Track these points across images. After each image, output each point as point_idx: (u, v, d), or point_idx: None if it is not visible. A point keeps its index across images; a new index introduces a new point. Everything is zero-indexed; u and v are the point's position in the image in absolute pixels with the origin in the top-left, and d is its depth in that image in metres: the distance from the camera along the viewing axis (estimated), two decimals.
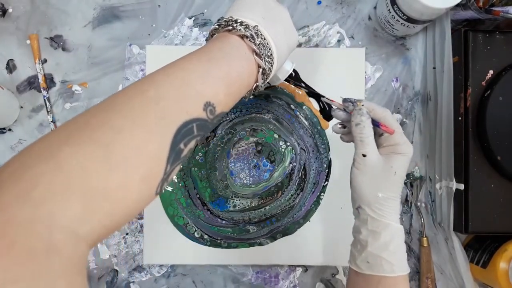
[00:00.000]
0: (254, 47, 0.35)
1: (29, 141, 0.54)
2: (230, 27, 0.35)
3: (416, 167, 0.55)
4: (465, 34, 0.50)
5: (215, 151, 0.54)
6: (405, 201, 0.55)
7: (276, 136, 0.54)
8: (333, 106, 0.43)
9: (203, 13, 0.55)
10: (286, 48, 0.39)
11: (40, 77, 0.54)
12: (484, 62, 0.50)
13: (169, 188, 0.54)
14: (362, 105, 0.40)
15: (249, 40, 0.35)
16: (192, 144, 0.29)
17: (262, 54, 0.36)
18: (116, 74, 0.55)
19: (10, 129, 0.55)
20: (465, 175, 0.50)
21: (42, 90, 0.54)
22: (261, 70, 0.36)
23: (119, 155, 0.24)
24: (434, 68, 0.53)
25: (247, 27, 0.35)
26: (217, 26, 0.36)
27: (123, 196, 0.24)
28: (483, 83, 0.50)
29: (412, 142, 0.56)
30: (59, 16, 0.55)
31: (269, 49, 0.36)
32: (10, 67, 0.55)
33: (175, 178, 0.54)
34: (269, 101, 0.54)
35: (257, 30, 0.35)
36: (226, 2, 0.55)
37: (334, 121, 0.54)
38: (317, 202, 0.54)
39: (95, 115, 0.26)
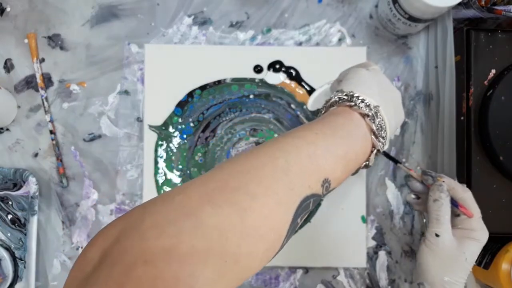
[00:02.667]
0: (374, 128, 0.36)
1: (26, 141, 0.54)
2: (352, 103, 0.36)
3: (418, 168, 0.55)
4: (467, 33, 0.50)
5: (214, 151, 0.53)
6: (407, 202, 0.55)
7: (276, 136, 0.53)
8: (411, 175, 0.43)
9: (202, 11, 0.55)
10: (394, 128, 0.39)
11: (38, 76, 0.54)
12: (486, 61, 0.49)
13: (169, 189, 0.54)
14: (443, 181, 0.39)
15: (370, 119, 0.35)
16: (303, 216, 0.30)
17: (379, 135, 0.36)
18: (115, 73, 0.54)
19: (7, 129, 0.54)
20: (467, 175, 0.49)
21: (40, 89, 0.54)
22: (375, 150, 0.37)
23: (252, 223, 0.25)
24: (436, 67, 0.53)
25: (368, 106, 0.36)
26: (337, 99, 0.37)
27: (248, 264, 0.25)
28: (485, 82, 0.50)
29: (413, 143, 0.55)
30: (57, 15, 0.54)
31: (385, 130, 0.37)
32: (8, 66, 0.54)
33: (175, 179, 0.53)
34: (269, 100, 0.54)
35: (377, 110, 0.36)
36: (226, 1, 0.55)
37: None
38: (317, 203, 0.53)
39: (233, 177, 0.26)
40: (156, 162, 0.53)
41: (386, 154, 0.49)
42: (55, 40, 0.54)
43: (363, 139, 0.35)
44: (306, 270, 0.54)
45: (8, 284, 0.51)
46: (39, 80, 0.54)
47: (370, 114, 0.35)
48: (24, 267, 0.52)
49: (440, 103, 0.52)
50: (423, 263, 0.38)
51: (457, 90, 0.50)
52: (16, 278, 0.52)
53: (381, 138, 0.36)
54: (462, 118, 0.50)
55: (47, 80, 0.54)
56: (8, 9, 0.54)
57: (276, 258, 0.53)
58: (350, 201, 0.53)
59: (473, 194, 0.49)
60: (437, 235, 0.38)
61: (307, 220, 0.53)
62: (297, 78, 0.54)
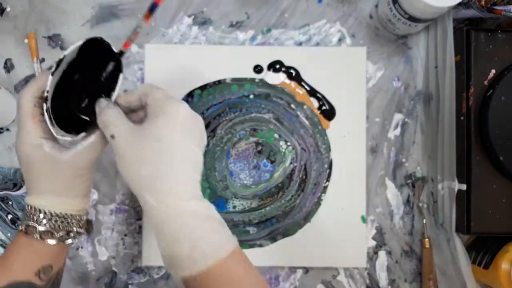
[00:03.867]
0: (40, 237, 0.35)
1: None
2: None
3: (418, 168, 0.55)
4: (467, 33, 0.50)
5: (214, 151, 0.53)
6: (407, 202, 0.55)
7: (276, 136, 0.53)
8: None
9: (202, 11, 0.55)
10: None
11: None
12: (486, 61, 0.50)
13: None
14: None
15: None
16: None
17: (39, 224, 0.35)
18: None
19: (7, 129, 0.54)
20: (467, 175, 0.49)
21: None
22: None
23: None
24: (436, 67, 0.53)
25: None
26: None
27: None
28: (485, 82, 0.50)
29: (413, 142, 0.55)
30: (57, 15, 0.54)
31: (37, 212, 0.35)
32: (8, 66, 0.54)
33: None
34: (269, 100, 0.54)
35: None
36: (226, 1, 0.55)
37: (335, 121, 0.54)
38: (317, 203, 0.53)
39: None
40: None
41: None
42: (55, 40, 0.54)
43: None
44: (306, 270, 0.54)
45: None
46: None
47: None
48: None
49: (440, 103, 0.52)
50: (124, 172, 0.33)
51: (457, 90, 0.50)
52: None
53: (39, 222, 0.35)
54: (462, 118, 0.50)
55: None
56: (8, 9, 0.54)
57: (276, 258, 0.53)
58: (350, 201, 0.53)
59: (473, 194, 0.49)
60: (112, 137, 0.33)
61: (306, 220, 0.53)
62: (297, 78, 0.54)
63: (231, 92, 0.54)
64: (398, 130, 0.55)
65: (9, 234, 0.53)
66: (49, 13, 0.54)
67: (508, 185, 0.49)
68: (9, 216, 0.53)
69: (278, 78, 0.54)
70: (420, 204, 0.55)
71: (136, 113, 0.38)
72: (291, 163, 0.53)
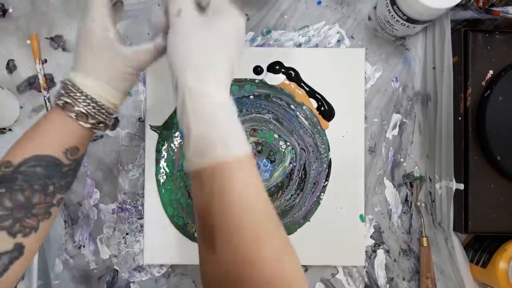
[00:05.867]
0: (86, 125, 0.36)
1: None
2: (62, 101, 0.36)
3: (416, 167, 0.56)
4: (465, 34, 0.50)
5: None
6: (405, 201, 0.55)
7: (276, 136, 0.54)
8: None
9: None
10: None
11: (41, 77, 0.54)
12: (484, 62, 0.50)
13: (168, 189, 0.54)
14: None
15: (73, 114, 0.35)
16: None
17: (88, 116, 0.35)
18: None
19: (10, 129, 0.55)
20: (465, 175, 0.50)
21: (42, 90, 0.54)
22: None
23: None
24: (434, 68, 0.53)
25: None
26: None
27: None
28: (483, 83, 0.50)
29: (412, 143, 0.56)
30: (59, 16, 0.55)
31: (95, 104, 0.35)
32: (10, 67, 0.55)
33: (176, 179, 0.54)
34: (269, 101, 0.54)
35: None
36: None
37: (334, 122, 0.54)
38: (317, 202, 0.54)
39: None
40: (157, 162, 0.54)
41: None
42: (57, 41, 0.55)
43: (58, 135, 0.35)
44: (305, 268, 0.55)
45: None
46: (41, 81, 0.54)
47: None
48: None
49: (438, 103, 0.52)
50: (172, 51, 0.34)
51: (455, 91, 0.50)
52: None
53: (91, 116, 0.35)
54: (459, 118, 0.51)
55: (50, 81, 0.55)
56: (10, 10, 0.55)
57: None
58: (349, 200, 0.54)
59: (471, 193, 0.50)
60: (178, 12, 0.33)
61: (306, 219, 0.54)
62: (296, 78, 0.54)
63: (231, 93, 0.54)
64: (396, 130, 0.55)
65: None
66: (51, 14, 0.55)
67: (505, 185, 0.50)
68: None
69: (277, 79, 0.54)
70: (418, 203, 0.55)
71: None
72: (290, 162, 0.54)
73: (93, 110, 0.35)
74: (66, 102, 0.35)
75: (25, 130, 0.36)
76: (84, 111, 0.35)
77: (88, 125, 0.35)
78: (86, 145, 0.37)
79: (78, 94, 0.35)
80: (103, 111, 0.36)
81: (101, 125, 0.36)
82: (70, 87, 0.35)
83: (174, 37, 0.34)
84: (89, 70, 0.35)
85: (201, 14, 0.34)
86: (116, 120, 0.38)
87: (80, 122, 0.35)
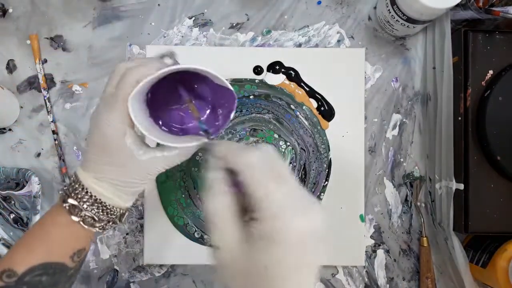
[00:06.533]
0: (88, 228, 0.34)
1: (29, 141, 0.54)
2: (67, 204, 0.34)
3: (416, 167, 0.56)
4: (465, 34, 0.50)
5: None
6: (405, 201, 0.56)
7: (276, 136, 0.54)
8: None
9: (203, 13, 0.55)
10: None
11: (41, 77, 0.54)
12: (484, 62, 0.50)
13: (169, 188, 0.54)
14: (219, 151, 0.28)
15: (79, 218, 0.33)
16: None
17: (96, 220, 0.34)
18: None
19: (10, 129, 0.55)
20: (465, 175, 0.50)
21: (42, 90, 0.54)
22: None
23: None
24: (434, 68, 0.53)
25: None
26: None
27: None
28: (483, 83, 0.50)
29: (412, 142, 0.56)
30: (59, 16, 0.55)
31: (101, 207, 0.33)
32: (10, 67, 0.55)
33: (176, 179, 0.54)
34: (269, 101, 0.54)
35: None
36: (226, 2, 0.55)
37: (334, 122, 0.54)
38: None
39: None
40: None
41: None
42: (57, 41, 0.55)
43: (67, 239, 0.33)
44: None
45: None
46: (41, 80, 0.54)
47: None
48: None
49: (438, 103, 0.52)
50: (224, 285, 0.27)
51: (455, 91, 0.50)
52: None
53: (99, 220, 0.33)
54: (459, 118, 0.51)
55: (50, 81, 0.55)
56: (10, 10, 0.55)
57: None
58: (349, 201, 0.54)
59: (471, 193, 0.50)
60: (216, 248, 0.26)
61: None
62: (296, 79, 0.54)
63: None
64: (396, 130, 0.55)
65: (11, 233, 0.53)
66: (51, 14, 0.55)
67: (505, 185, 0.50)
68: (12, 216, 0.53)
69: (277, 79, 0.54)
70: (418, 203, 0.55)
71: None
72: (290, 162, 0.54)
73: (101, 214, 0.33)
74: (74, 205, 0.33)
75: (26, 232, 0.34)
76: (90, 215, 0.33)
77: (96, 229, 0.34)
78: (90, 242, 0.36)
79: (87, 197, 0.33)
80: (111, 213, 0.34)
81: (109, 224, 0.35)
82: (78, 188, 0.33)
83: (219, 271, 0.27)
84: (101, 173, 0.33)
85: (242, 238, 0.25)
86: (123, 215, 0.37)
87: (88, 228, 0.33)
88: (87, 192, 0.33)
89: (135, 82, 0.31)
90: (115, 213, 0.34)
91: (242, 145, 0.27)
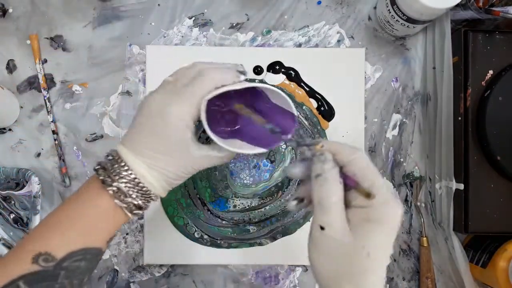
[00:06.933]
0: (122, 204, 0.32)
1: (29, 141, 0.54)
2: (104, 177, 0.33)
3: (416, 167, 0.56)
4: (465, 34, 0.50)
5: None
6: (405, 201, 0.56)
7: None
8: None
9: (203, 13, 0.55)
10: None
11: (41, 77, 0.54)
12: (484, 62, 0.50)
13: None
14: (322, 146, 0.29)
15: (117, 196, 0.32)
16: None
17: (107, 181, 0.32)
18: (117, 74, 0.55)
19: (10, 129, 0.55)
20: (465, 175, 0.50)
21: (42, 90, 0.54)
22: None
23: None
24: (434, 68, 0.53)
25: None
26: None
27: None
28: (483, 83, 0.50)
29: (412, 142, 0.56)
30: (59, 16, 0.55)
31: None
32: (10, 67, 0.55)
33: None
34: None
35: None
36: (226, 2, 0.55)
37: (334, 122, 0.54)
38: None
39: None
40: None
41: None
42: (57, 41, 0.55)
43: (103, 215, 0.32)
44: (306, 268, 0.55)
45: None
46: (41, 81, 0.54)
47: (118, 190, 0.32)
48: None
49: (438, 103, 0.52)
50: (313, 267, 0.29)
51: (455, 91, 0.50)
52: None
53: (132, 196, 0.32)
54: (459, 118, 0.51)
55: (50, 81, 0.55)
56: (10, 10, 0.55)
57: (276, 256, 0.54)
58: None
59: (471, 193, 0.50)
60: (322, 228, 0.27)
61: (306, 218, 0.54)
62: (296, 79, 0.54)
63: None
64: (396, 130, 0.55)
65: (11, 233, 0.53)
66: (51, 14, 0.55)
67: (505, 185, 0.50)
68: (12, 216, 0.53)
69: (277, 79, 0.54)
70: (418, 203, 0.55)
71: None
72: (290, 162, 0.54)
73: (140, 200, 0.33)
74: (119, 190, 0.32)
75: (59, 211, 0.32)
76: (137, 203, 0.32)
77: (133, 215, 0.33)
78: None
79: (132, 183, 0.32)
80: (148, 201, 0.34)
81: (142, 211, 0.34)
82: (122, 171, 0.32)
83: (315, 252, 0.28)
84: (153, 161, 0.32)
85: (347, 226, 0.27)
86: None
87: (129, 214, 0.33)
88: (134, 178, 0.32)
89: (213, 84, 0.33)
90: (149, 201, 0.34)
91: (347, 144, 0.29)
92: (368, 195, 0.27)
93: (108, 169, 0.32)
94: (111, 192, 0.32)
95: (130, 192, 0.32)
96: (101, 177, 0.32)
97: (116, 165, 0.32)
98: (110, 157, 0.33)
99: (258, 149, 0.36)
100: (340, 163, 0.28)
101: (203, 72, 0.33)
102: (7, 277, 0.28)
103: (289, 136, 0.35)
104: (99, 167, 0.32)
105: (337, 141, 0.29)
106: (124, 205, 0.32)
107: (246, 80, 0.35)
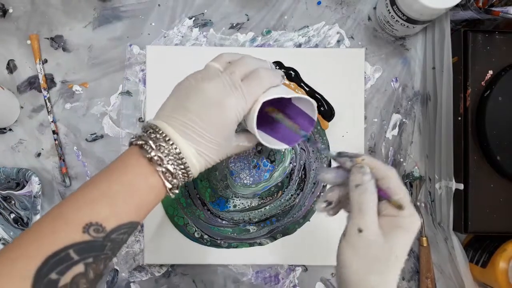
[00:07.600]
0: (163, 177, 0.33)
1: (29, 141, 0.55)
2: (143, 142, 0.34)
3: (416, 167, 0.56)
4: (464, 34, 0.50)
5: None
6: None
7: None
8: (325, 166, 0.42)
9: (203, 13, 0.55)
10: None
11: (41, 77, 0.54)
12: (483, 62, 0.50)
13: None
14: (363, 159, 0.32)
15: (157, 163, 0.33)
16: (78, 268, 0.29)
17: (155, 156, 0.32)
18: (117, 74, 0.55)
19: (10, 129, 0.55)
20: (464, 175, 0.50)
21: (42, 90, 0.54)
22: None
23: None
24: (434, 68, 0.53)
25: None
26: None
27: None
28: (483, 83, 0.50)
29: (411, 142, 0.56)
30: (59, 16, 0.55)
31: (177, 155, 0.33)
32: (11, 67, 0.55)
33: None
34: None
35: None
36: (226, 3, 0.55)
37: (334, 122, 0.54)
38: (317, 202, 0.54)
39: None
40: None
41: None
42: (57, 41, 0.55)
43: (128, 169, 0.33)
44: (306, 268, 0.55)
45: None
46: (41, 81, 0.54)
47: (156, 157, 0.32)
48: None
49: (437, 103, 0.52)
50: (344, 263, 0.32)
51: (455, 91, 0.50)
52: None
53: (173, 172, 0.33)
54: (459, 118, 0.51)
55: (50, 81, 0.55)
56: (11, 10, 0.55)
57: (276, 256, 0.54)
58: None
59: (471, 193, 0.50)
60: (360, 230, 0.31)
61: (306, 218, 0.54)
62: (296, 78, 0.54)
63: None
64: (396, 130, 0.55)
65: (11, 233, 0.53)
66: (51, 14, 0.55)
67: (505, 185, 0.50)
68: (12, 215, 0.53)
69: None
70: (418, 203, 0.55)
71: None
72: (290, 162, 0.54)
73: (181, 182, 0.34)
74: (167, 170, 0.33)
75: (100, 179, 0.32)
76: (177, 182, 0.34)
77: (171, 195, 0.35)
78: None
79: (178, 161, 0.33)
80: (188, 177, 0.35)
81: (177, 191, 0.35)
82: (175, 152, 0.33)
83: (349, 251, 0.32)
84: (198, 146, 0.34)
85: (379, 230, 0.31)
86: None
87: (170, 193, 0.34)
88: (186, 166, 0.33)
89: (268, 86, 0.36)
90: (187, 180, 0.35)
91: (380, 161, 0.33)
92: (400, 206, 0.32)
93: (157, 148, 0.33)
94: (160, 171, 0.33)
95: (178, 172, 0.33)
96: (152, 154, 0.32)
97: (165, 144, 0.33)
98: (154, 135, 0.33)
99: (283, 145, 0.40)
100: (375, 176, 0.32)
101: (260, 74, 0.36)
102: (57, 245, 0.28)
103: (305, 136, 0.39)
104: (143, 143, 0.33)
105: (373, 157, 0.33)
106: (169, 186, 0.33)
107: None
